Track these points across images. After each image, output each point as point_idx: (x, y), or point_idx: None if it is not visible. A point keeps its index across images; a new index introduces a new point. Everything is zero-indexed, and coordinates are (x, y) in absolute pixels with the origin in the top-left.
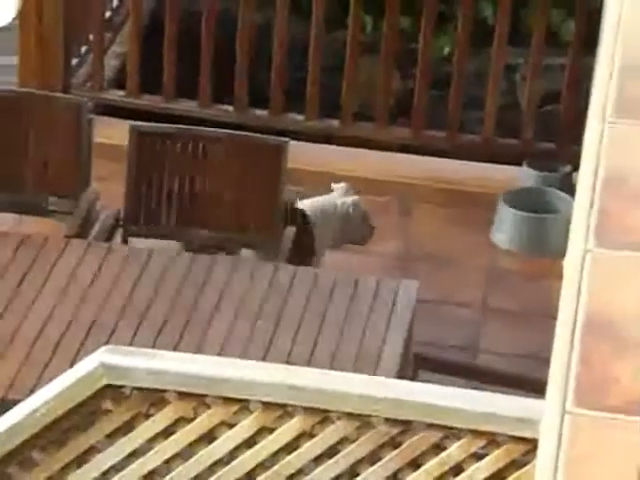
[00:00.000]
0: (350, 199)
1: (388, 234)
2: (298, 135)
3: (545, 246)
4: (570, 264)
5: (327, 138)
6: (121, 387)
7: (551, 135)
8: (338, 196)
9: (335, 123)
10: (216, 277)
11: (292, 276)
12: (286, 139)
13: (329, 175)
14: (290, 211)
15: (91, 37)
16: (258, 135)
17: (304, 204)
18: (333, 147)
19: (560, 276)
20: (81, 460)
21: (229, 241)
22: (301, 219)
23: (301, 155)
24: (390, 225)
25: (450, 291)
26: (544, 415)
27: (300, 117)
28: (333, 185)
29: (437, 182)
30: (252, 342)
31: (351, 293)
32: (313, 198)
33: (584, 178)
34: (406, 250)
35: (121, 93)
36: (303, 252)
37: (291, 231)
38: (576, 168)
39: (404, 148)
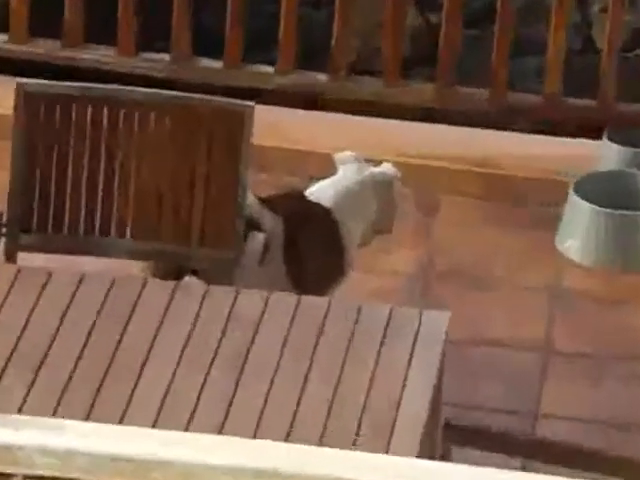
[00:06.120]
0: (385, 166)
1: (404, 241)
2: (267, 97)
3: (636, 258)
4: None
5: (310, 101)
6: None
7: None
8: (357, 169)
9: (322, 78)
10: (148, 307)
11: (263, 304)
12: (250, 103)
13: (312, 155)
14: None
15: None
16: (208, 97)
17: (318, 194)
18: (318, 113)
19: None
20: None
21: (163, 255)
22: (324, 217)
23: (271, 126)
24: (406, 228)
25: (491, 325)
26: None
27: (270, 69)
28: (336, 156)
29: (473, 164)
30: (205, 399)
31: (351, 327)
32: (321, 182)
33: None
34: (429, 263)
35: (4, 37)
36: (330, 270)
37: (259, 242)
38: None
39: (425, 114)
